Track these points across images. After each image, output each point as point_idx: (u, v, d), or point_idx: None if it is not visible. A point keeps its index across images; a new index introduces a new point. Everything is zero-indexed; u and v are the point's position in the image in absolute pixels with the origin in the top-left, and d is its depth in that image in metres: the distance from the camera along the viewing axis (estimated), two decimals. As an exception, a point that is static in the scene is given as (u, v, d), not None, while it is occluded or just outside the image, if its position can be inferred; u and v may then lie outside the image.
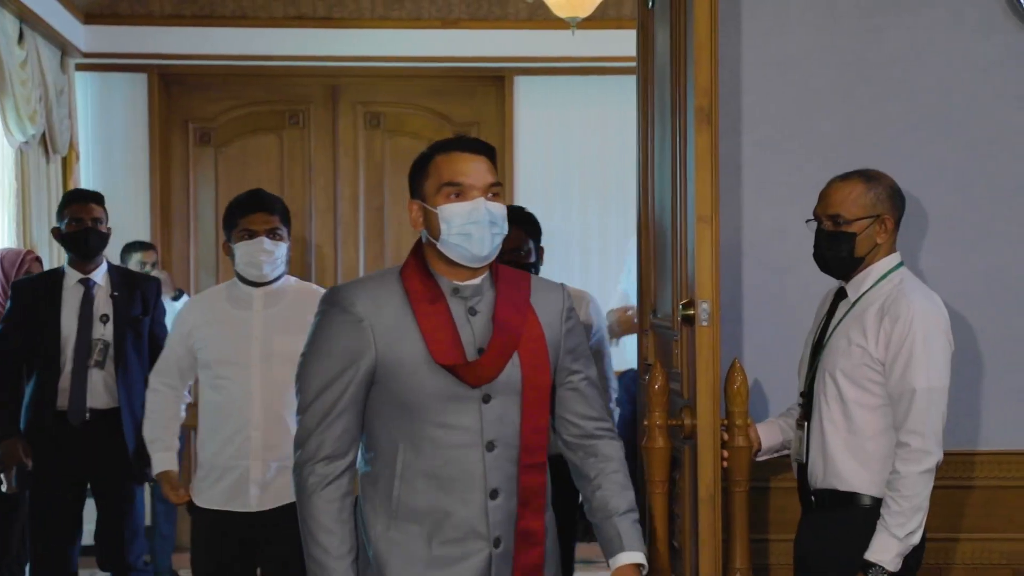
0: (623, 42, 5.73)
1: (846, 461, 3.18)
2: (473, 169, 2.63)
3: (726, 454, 3.34)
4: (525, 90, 7.54)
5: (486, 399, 2.62)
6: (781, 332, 3.66)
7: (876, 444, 3.16)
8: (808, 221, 3.27)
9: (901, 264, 3.25)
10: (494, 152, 2.69)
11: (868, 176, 3.22)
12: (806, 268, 3.34)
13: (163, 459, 4.08)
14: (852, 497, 3.17)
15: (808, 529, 3.29)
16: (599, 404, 2.79)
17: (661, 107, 3.90)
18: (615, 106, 7.06)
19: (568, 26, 6.03)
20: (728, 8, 3.67)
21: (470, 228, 2.60)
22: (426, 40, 7.39)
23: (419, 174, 2.68)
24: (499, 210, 2.63)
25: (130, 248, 6.72)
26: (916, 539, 3.09)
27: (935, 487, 3.11)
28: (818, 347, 3.27)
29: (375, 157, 7.51)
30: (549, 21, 6.57)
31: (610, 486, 2.74)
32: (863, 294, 3.21)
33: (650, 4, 4.03)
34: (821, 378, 3.22)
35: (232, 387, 3.92)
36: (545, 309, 2.71)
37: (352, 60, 7.39)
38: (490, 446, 2.62)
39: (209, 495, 3.96)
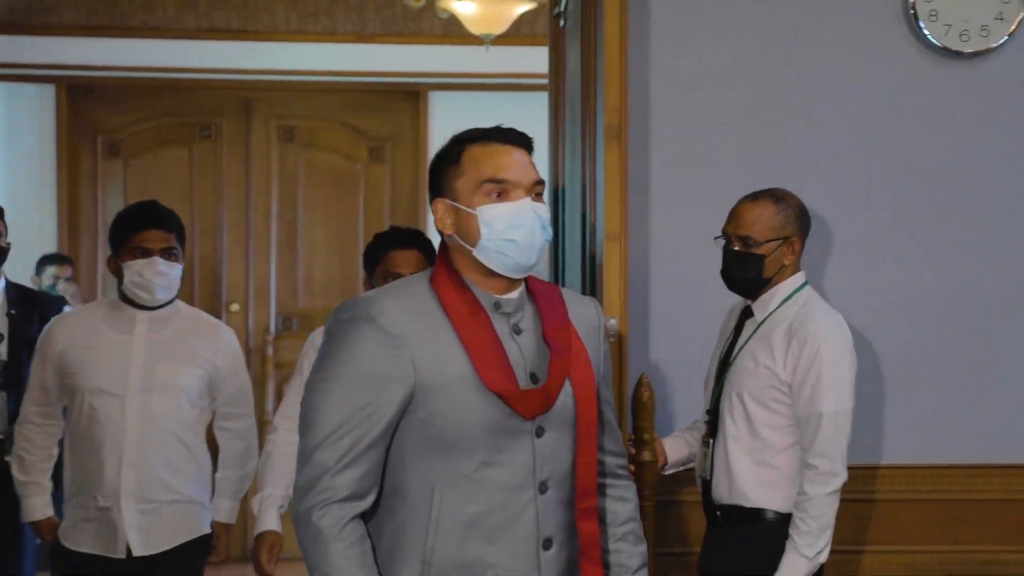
0: (537, 59, 5.76)
1: (751, 479, 3.21)
2: (517, 164, 2.26)
3: (633, 468, 3.37)
4: (440, 105, 7.55)
5: (539, 432, 2.23)
6: (688, 348, 3.70)
7: (781, 461, 3.20)
8: (716, 239, 3.31)
9: (806, 284, 3.30)
10: (533, 145, 2.32)
11: (777, 197, 3.26)
12: (714, 285, 3.37)
13: (36, 505, 3.72)
14: (757, 513, 3.21)
15: (713, 544, 3.32)
16: (620, 438, 2.50)
17: (572, 124, 3.94)
18: (529, 122, 7.03)
19: (482, 42, 6.06)
20: (638, 28, 3.70)
21: (515, 233, 2.22)
22: (341, 54, 7.37)
23: (447, 168, 2.28)
24: (546, 213, 2.27)
25: (45, 261, 6.62)
26: (824, 557, 3.14)
27: (844, 500, 3.17)
28: (724, 365, 3.31)
29: (288, 171, 7.47)
30: (464, 37, 6.59)
31: (627, 537, 2.46)
32: (770, 314, 3.25)
33: (562, 23, 4.07)
34: (728, 397, 3.26)
35: (104, 419, 3.56)
36: (583, 327, 2.36)
37: (266, 73, 7.35)
38: (542, 487, 2.24)
39: (78, 536, 3.61)
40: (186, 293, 6.89)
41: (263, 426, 6.59)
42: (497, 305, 2.27)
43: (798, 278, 3.28)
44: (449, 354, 2.20)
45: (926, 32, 3.78)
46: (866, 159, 3.80)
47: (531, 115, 6.93)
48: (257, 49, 7.30)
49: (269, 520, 3.59)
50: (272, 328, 7.29)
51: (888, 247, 3.80)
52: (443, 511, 2.19)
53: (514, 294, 2.29)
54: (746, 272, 3.24)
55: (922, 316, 3.81)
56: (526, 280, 2.33)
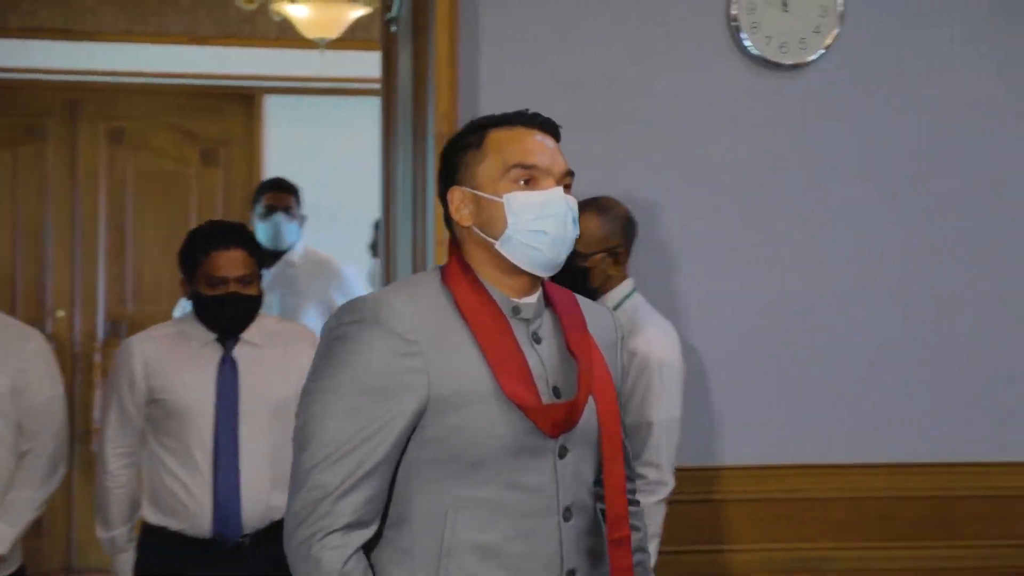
0: (372, 64, 5.75)
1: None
2: (547, 150, 2.06)
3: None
4: (274, 108, 7.47)
5: (561, 452, 2.02)
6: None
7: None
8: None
9: (634, 291, 3.34)
10: (560, 133, 2.14)
11: (601, 207, 3.28)
12: (542, 290, 3.41)
13: None
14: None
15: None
16: (631, 461, 2.30)
17: (404, 130, 3.94)
18: (365, 126, 7.08)
19: (317, 46, 6.02)
20: (468, 35, 3.72)
21: (546, 223, 2.02)
22: (172, 56, 7.23)
23: (467, 153, 2.08)
24: (576, 206, 2.08)
25: None
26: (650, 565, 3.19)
27: (674, 502, 3.23)
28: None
29: (117, 174, 7.30)
30: (299, 40, 6.53)
31: (635, 569, 2.21)
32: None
33: (393, 28, 4.07)
34: None
35: None
36: (601, 339, 2.17)
37: (93, 74, 7.17)
38: (567, 514, 2.02)
39: None
40: (7, 300, 6.71)
41: (90, 436, 6.44)
42: (516, 310, 2.06)
43: (626, 286, 3.31)
44: (467, 362, 1.97)
45: (747, 43, 3.88)
46: (692, 167, 3.88)
47: (366, 119, 6.96)
48: (84, 49, 7.11)
49: (129, 568, 3.49)
50: (99, 334, 7.12)
51: (713, 252, 3.88)
52: (457, 539, 1.95)
53: (532, 298, 2.08)
54: (572, 284, 3.23)
55: (745, 320, 3.90)
56: (543, 284, 2.13)
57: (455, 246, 2.09)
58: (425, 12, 3.59)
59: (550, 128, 2.11)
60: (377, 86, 4.54)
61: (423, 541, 1.96)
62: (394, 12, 4.00)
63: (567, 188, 2.06)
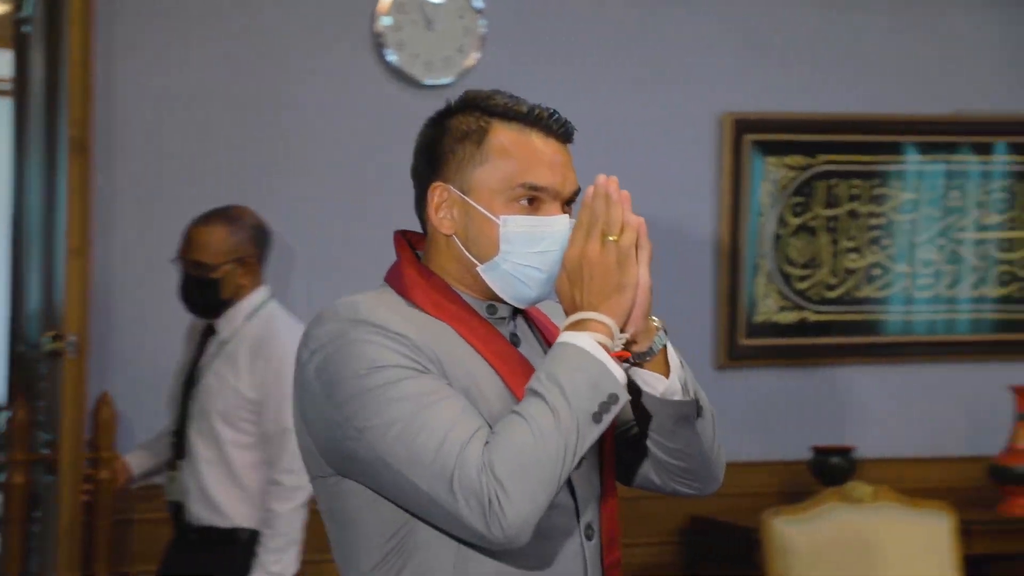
0: (5, 64, 5.52)
1: (224, 499, 3.22)
2: (559, 168, 1.71)
3: (91, 487, 3.31)
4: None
5: (578, 463, 1.65)
6: (152, 364, 3.68)
7: (251, 480, 3.23)
8: (173, 260, 3.30)
9: (271, 298, 3.34)
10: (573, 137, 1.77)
11: (230, 218, 3.27)
12: (178, 302, 3.37)
13: None
14: (232, 533, 3.23)
15: (186, 564, 3.29)
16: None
17: (37, 134, 3.82)
18: None
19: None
20: (106, 41, 3.65)
21: (543, 260, 1.68)
22: None
23: (462, 146, 1.71)
24: None
25: None
26: (291, 572, 3.20)
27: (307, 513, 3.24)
28: (189, 383, 3.29)
29: None
30: (-72, 35, 6.18)
31: None
32: (234, 332, 3.26)
33: (25, 28, 3.93)
34: (195, 417, 3.25)
35: None
36: None
37: None
38: (588, 531, 1.74)
39: None
40: None
41: None
42: (492, 308, 1.73)
43: (261, 293, 3.30)
44: (465, 360, 1.66)
45: (392, 60, 3.96)
46: (336, 179, 3.94)
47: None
48: None
49: None
50: None
51: (357, 263, 3.92)
52: (471, 570, 1.64)
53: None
54: (202, 296, 3.24)
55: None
56: None
57: (406, 247, 1.76)
58: (59, 13, 3.48)
59: (566, 134, 1.74)
60: (10, 86, 4.35)
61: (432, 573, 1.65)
62: (25, 11, 3.85)
63: (568, 208, 1.73)
